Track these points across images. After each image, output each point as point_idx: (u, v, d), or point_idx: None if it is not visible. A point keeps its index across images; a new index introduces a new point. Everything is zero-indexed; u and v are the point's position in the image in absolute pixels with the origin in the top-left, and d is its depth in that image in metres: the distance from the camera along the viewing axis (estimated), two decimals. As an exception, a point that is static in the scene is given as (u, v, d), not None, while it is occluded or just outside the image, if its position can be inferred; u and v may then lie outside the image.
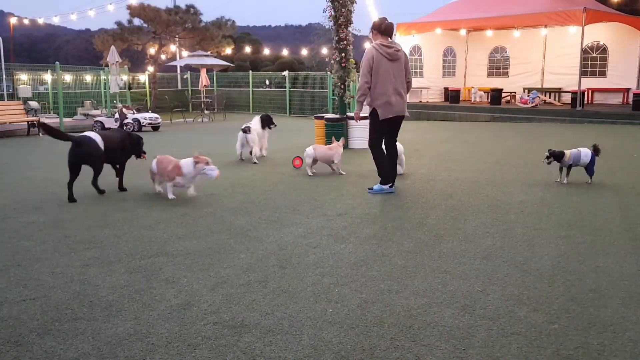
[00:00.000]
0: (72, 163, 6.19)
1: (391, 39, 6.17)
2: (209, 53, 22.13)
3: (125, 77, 18.54)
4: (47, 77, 19.79)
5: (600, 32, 17.35)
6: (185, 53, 24.34)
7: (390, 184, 6.21)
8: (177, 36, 24.02)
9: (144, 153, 7.00)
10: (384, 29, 6.06)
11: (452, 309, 3.03)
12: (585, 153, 6.38)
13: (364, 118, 6.83)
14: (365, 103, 6.15)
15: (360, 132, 10.30)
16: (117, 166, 6.76)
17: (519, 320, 2.89)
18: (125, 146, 6.70)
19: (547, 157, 6.45)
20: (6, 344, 2.68)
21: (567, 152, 6.40)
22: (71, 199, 6.04)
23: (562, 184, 6.46)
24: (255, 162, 8.54)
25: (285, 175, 7.37)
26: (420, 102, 19.92)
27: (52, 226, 4.87)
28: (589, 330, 2.78)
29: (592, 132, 12.32)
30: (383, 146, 6.28)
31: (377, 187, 6.20)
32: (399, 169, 7.04)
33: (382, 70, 5.92)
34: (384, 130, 6.19)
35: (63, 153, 10.53)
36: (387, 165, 6.15)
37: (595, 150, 6.44)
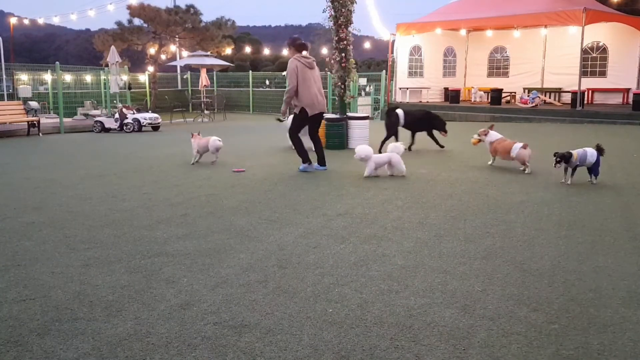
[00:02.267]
0: (385, 125, 9.59)
1: (305, 52, 7.56)
2: (209, 53, 22.13)
3: (125, 77, 18.55)
4: (47, 77, 19.81)
5: (600, 32, 17.35)
6: (185, 53, 24.34)
7: (321, 163, 7.73)
8: (177, 36, 24.01)
9: (446, 132, 9.69)
10: (298, 44, 7.47)
11: (452, 309, 3.03)
12: (591, 153, 6.36)
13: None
14: (293, 103, 7.48)
15: (360, 132, 10.31)
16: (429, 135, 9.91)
17: (519, 320, 2.89)
18: (423, 122, 9.75)
19: (557, 162, 6.39)
20: (6, 344, 2.68)
21: (575, 153, 6.36)
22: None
23: (567, 184, 6.45)
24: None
25: (285, 175, 7.37)
26: (421, 102, 19.93)
27: (52, 226, 4.87)
28: (589, 330, 2.78)
29: (592, 132, 12.31)
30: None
31: (301, 167, 7.56)
32: (400, 170, 7.18)
33: (306, 77, 7.29)
34: (307, 123, 7.62)
35: (63, 153, 10.56)
36: (304, 148, 7.58)
37: (599, 150, 6.42)
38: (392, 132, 9.51)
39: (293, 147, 7.85)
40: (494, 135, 7.66)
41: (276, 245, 4.24)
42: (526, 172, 7.21)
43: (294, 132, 7.62)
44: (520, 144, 7.31)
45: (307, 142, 7.79)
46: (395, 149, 7.24)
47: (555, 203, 5.58)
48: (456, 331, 2.77)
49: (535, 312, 2.98)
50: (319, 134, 7.85)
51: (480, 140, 7.89)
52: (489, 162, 7.90)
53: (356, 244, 4.24)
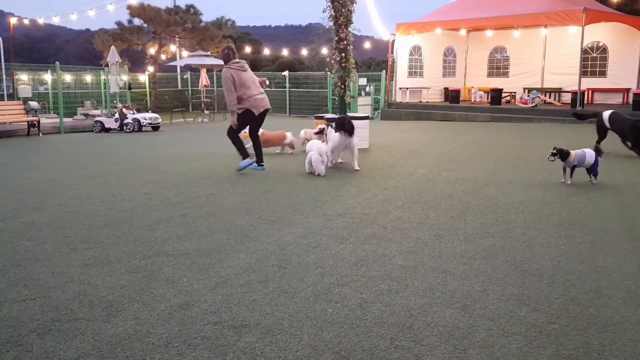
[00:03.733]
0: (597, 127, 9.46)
1: (236, 58, 7.67)
2: (209, 53, 22.12)
3: (125, 77, 18.54)
4: (47, 77, 19.80)
5: (600, 32, 17.35)
6: (185, 53, 24.33)
7: (259, 162, 7.86)
8: (177, 36, 24.00)
9: None
10: (225, 54, 7.64)
11: (452, 309, 3.03)
12: (590, 154, 6.38)
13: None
14: (238, 107, 7.58)
15: (360, 133, 10.29)
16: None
17: (519, 320, 2.89)
18: (633, 128, 8.94)
19: (553, 154, 6.39)
20: (6, 344, 2.68)
21: (573, 153, 6.38)
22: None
23: (567, 184, 6.45)
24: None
25: (285, 175, 7.37)
26: (420, 102, 19.93)
27: (52, 226, 4.87)
28: (589, 330, 2.78)
29: (592, 132, 12.30)
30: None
31: (242, 163, 7.64)
32: (315, 169, 7.35)
33: (242, 80, 7.50)
34: (252, 123, 7.80)
35: (63, 153, 10.56)
36: (243, 145, 7.77)
37: (598, 151, 6.43)
38: (600, 133, 9.32)
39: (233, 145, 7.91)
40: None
41: (276, 245, 4.24)
42: (291, 152, 9.60)
43: (234, 132, 7.70)
44: (290, 132, 9.71)
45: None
46: (318, 149, 7.40)
47: (555, 203, 5.58)
48: (456, 331, 2.77)
49: (535, 312, 2.98)
50: (258, 134, 8.00)
51: (245, 132, 8.78)
52: (276, 151, 9.54)
53: (356, 244, 4.24)
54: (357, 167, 7.67)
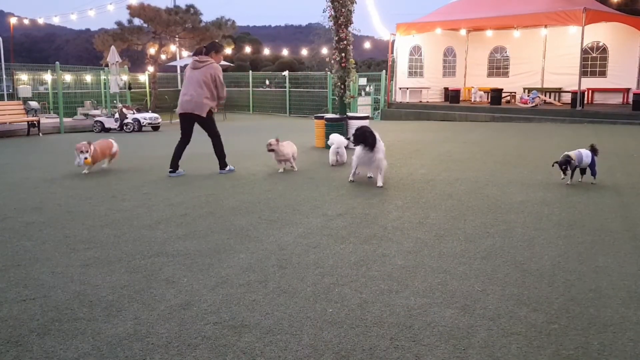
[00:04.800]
0: None
1: (202, 55, 7.42)
2: (209, 53, 22.12)
3: (125, 77, 18.56)
4: (47, 77, 19.82)
5: (600, 32, 17.37)
6: (185, 53, 24.35)
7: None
8: (177, 36, 24.02)
9: None
10: (197, 49, 7.74)
11: (452, 309, 3.03)
12: (586, 154, 6.38)
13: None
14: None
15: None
16: None
17: (519, 320, 2.89)
18: None
19: (564, 170, 6.38)
20: (6, 344, 2.68)
21: (572, 154, 6.38)
22: None
23: (567, 184, 6.44)
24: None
25: (285, 175, 7.37)
26: (421, 102, 19.94)
27: (52, 226, 4.87)
28: (589, 330, 2.78)
29: (592, 132, 12.32)
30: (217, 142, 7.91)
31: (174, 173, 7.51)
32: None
33: (185, 77, 7.55)
34: (182, 123, 7.73)
35: (63, 153, 10.56)
36: (178, 154, 7.59)
37: (593, 150, 6.43)
38: None
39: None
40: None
41: (276, 245, 4.24)
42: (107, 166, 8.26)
43: (179, 141, 7.74)
44: (113, 139, 8.57)
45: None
46: (339, 142, 8.17)
47: (555, 203, 5.58)
48: (456, 331, 2.77)
49: (535, 312, 2.98)
50: (216, 137, 7.72)
51: (87, 159, 7.76)
52: (103, 165, 8.20)
53: (356, 244, 4.24)
54: (380, 184, 6.53)
